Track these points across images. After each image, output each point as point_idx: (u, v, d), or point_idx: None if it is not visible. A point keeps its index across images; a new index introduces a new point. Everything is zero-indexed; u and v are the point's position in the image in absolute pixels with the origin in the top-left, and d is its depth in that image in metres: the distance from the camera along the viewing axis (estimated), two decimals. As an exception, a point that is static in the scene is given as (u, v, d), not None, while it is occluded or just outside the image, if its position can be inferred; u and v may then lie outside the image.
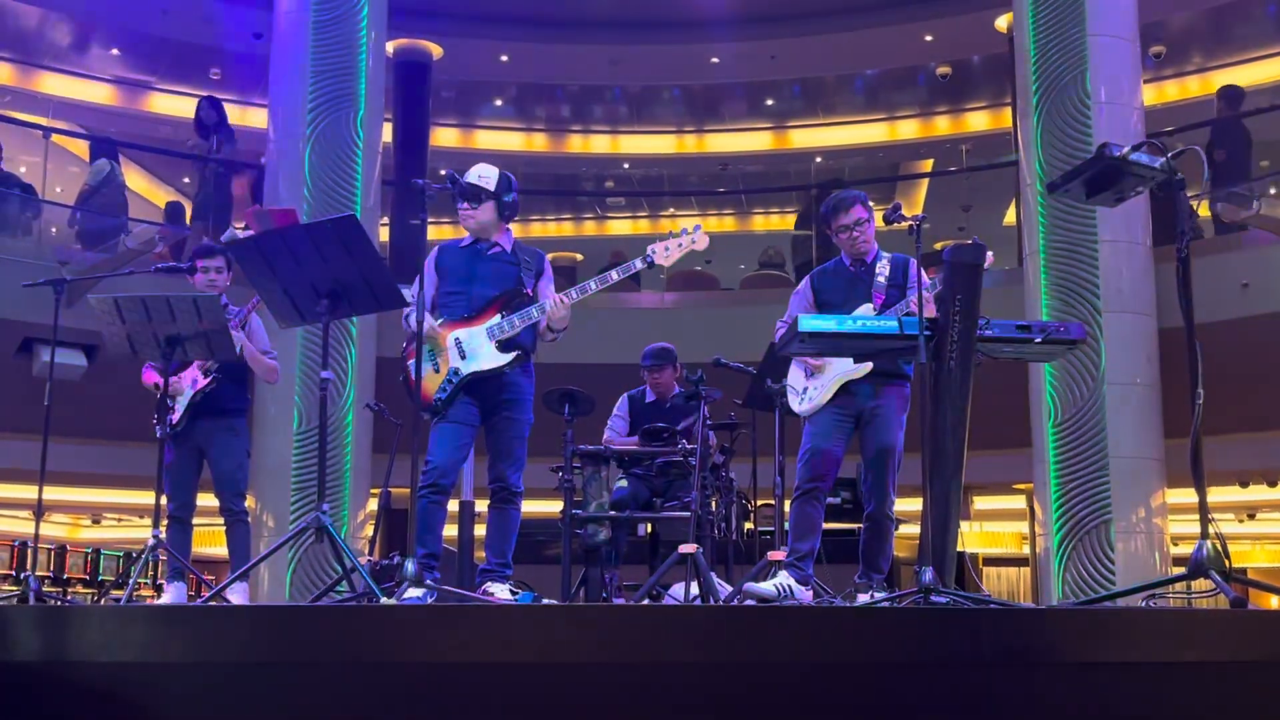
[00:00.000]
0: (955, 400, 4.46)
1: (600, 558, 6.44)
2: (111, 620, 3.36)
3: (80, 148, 13.91)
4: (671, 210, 18.65)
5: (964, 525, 4.83)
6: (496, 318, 5.02)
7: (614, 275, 5.13)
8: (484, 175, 5.13)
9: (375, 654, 3.26)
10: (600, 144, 17.30)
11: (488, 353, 5.00)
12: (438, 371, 5.01)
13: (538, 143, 17.14)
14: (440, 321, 5.07)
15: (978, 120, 16.26)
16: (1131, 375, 8.44)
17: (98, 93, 15.23)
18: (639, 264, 5.14)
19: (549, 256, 5.40)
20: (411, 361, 4.96)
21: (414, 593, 4.28)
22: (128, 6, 13.40)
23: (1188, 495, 4.02)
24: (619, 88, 16.36)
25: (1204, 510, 3.83)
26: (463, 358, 5.01)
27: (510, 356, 5.00)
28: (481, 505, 6.75)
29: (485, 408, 5.07)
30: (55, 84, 14.87)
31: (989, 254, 4.61)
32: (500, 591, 4.92)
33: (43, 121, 13.67)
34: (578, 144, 17.27)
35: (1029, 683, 3.22)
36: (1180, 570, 3.93)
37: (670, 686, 3.23)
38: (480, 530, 6.42)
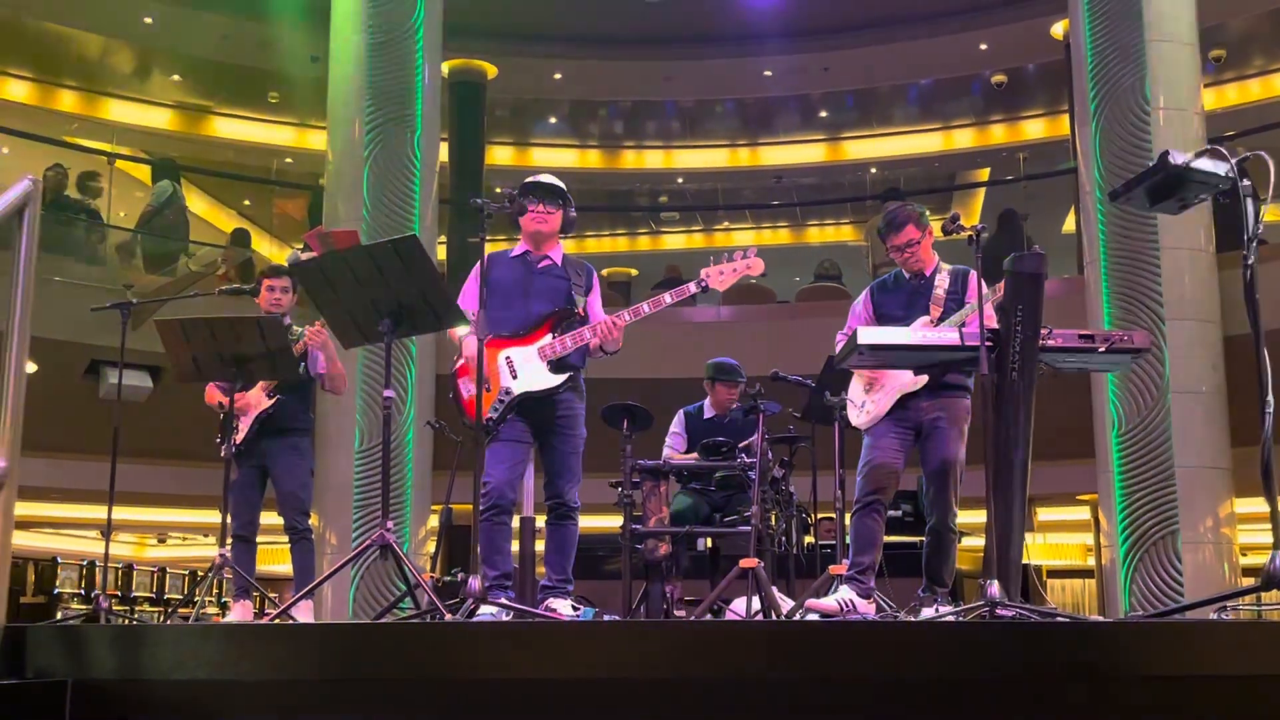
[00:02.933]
0: (1018, 412, 4.42)
1: (660, 573, 6.45)
2: (187, 639, 3.41)
3: (143, 172, 14.18)
4: (726, 224, 18.65)
5: (1028, 537, 4.78)
6: (548, 337, 4.97)
7: (667, 299, 5.01)
8: (556, 182, 5.17)
9: (442, 670, 3.29)
10: (654, 159, 17.35)
11: (540, 373, 4.94)
12: (489, 390, 4.93)
13: (591, 159, 17.23)
14: (489, 338, 4.99)
15: (1034, 128, 16.13)
16: (1197, 383, 8.31)
17: (159, 118, 15.51)
18: (693, 288, 5.01)
19: (604, 272, 5.38)
20: (462, 379, 4.98)
21: (488, 609, 4.31)
22: (188, 33, 13.64)
23: (1257, 504, 3.95)
24: (671, 102, 16.41)
25: (1276, 520, 3.76)
26: (514, 377, 4.95)
27: (563, 378, 4.94)
28: (542, 520, 6.77)
29: (538, 426, 5.03)
30: (119, 110, 15.16)
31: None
32: (562, 607, 4.91)
33: (107, 148, 13.94)
34: (631, 159, 17.34)
35: (1098, 697, 3.18)
36: (1251, 582, 3.86)
37: (732, 702, 3.22)
38: (540, 545, 6.45)
